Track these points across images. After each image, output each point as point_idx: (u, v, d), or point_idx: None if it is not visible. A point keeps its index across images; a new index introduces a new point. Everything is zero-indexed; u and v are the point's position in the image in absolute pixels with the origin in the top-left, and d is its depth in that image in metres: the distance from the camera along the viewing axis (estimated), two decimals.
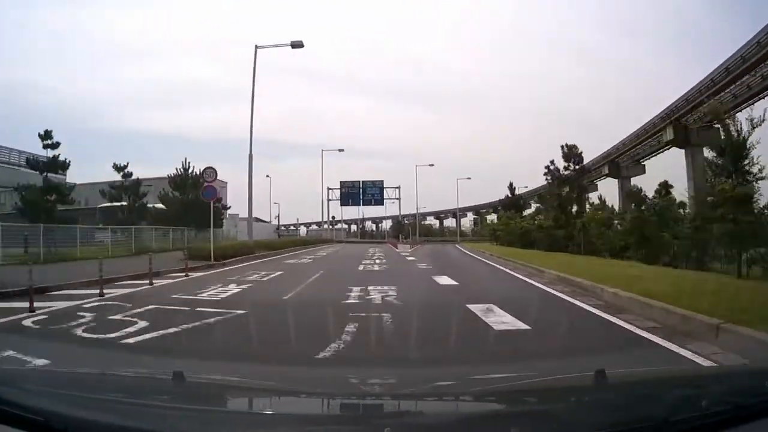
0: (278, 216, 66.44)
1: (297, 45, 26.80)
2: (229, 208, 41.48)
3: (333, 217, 72.92)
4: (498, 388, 2.00)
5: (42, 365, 4.14)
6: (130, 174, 30.11)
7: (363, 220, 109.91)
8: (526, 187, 70.96)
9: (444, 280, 12.43)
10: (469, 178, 75.93)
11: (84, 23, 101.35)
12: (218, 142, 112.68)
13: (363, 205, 75.38)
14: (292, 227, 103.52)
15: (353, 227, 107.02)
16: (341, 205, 74.80)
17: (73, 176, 30.76)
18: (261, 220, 71.96)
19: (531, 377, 2.39)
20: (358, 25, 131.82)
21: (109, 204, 32.18)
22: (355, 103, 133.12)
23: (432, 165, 69.17)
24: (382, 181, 74.74)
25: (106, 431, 1.27)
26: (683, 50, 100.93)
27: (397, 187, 75.03)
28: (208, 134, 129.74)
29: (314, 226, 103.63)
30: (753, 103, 24.15)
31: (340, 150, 62.43)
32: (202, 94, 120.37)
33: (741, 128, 13.28)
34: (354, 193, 74.76)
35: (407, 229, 69.16)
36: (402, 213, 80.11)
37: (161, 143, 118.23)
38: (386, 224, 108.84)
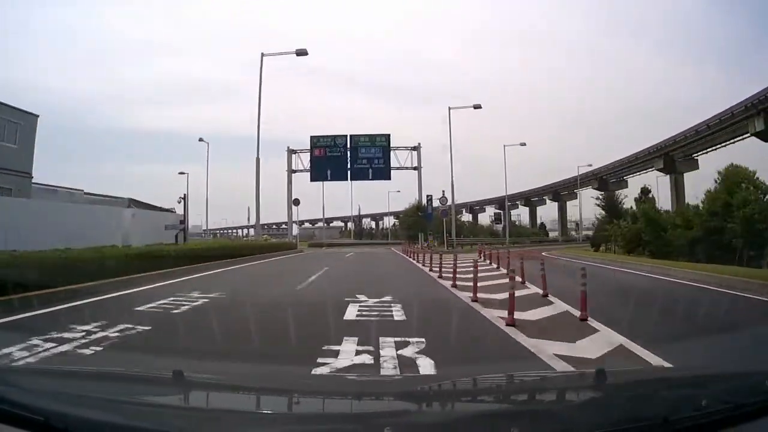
0: (184, 197, 32.51)
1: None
2: None
3: (297, 201, 38.55)
4: (498, 387, 1.96)
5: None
6: None
7: (359, 217, 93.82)
8: (590, 165, 57.49)
9: None
10: (524, 144, 49.51)
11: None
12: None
13: (353, 179, 40.76)
14: (283, 226, 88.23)
15: (350, 225, 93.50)
16: (312, 179, 40.38)
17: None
18: (148, 206, 35.85)
19: (531, 377, 2.41)
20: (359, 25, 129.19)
21: None
22: (357, 102, 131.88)
23: (478, 107, 34.75)
24: (387, 136, 39.42)
25: (105, 430, 1.26)
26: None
27: (413, 148, 39.75)
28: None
29: (310, 224, 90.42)
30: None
31: (299, 53, 28.06)
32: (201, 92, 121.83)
33: None
34: (337, 157, 38.88)
35: (440, 222, 35.28)
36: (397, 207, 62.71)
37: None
38: (388, 221, 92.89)
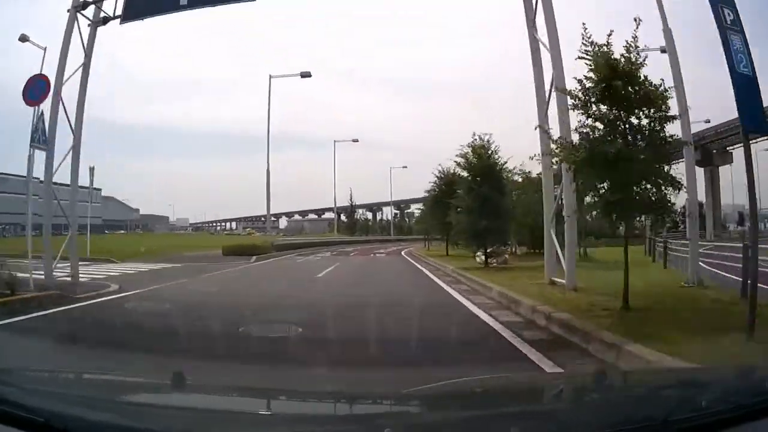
0: None
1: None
2: None
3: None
4: (498, 388, 1.97)
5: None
6: None
7: (352, 207, 73.82)
8: (708, 121, 35.47)
9: None
10: None
11: None
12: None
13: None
14: (272, 218, 71.39)
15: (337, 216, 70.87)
16: (127, 16, 5.82)
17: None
18: None
19: (531, 378, 2.41)
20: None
21: None
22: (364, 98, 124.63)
23: None
24: None
25: (105, 431, 1.28)
26: None
27: None
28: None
29: (300, 216, 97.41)
30: None
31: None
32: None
33: None
34: None
35: None
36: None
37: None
38: (389, 213, 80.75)
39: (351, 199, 71.27)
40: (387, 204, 73.71)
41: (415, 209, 54.49)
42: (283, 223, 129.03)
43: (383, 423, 1.38)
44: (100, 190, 47.96)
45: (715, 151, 44.09)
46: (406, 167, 53.80)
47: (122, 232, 79.64)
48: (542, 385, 2.04)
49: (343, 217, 72.85)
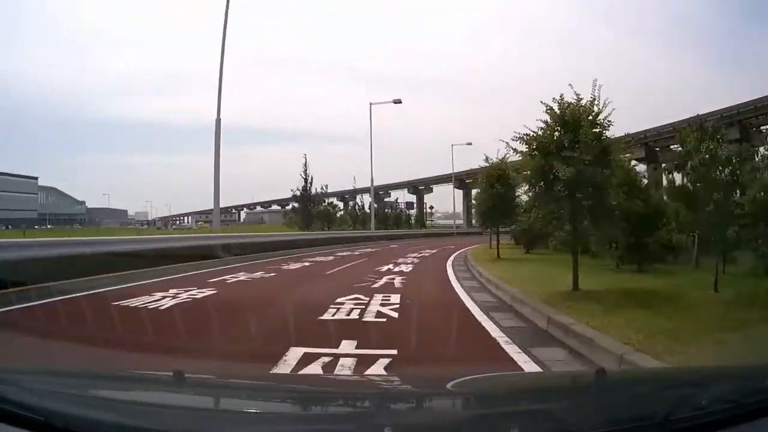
0: None
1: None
2: None
3: None
4: (498, 387, 1.99)
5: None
6: None
7: (305, 194, 47.66)
8: None
9: None
10: None
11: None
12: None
13: None
14: (233, 210, 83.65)
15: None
16: None
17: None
18: None
19: (531, 376, 2.44)
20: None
21: None
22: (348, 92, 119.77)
23: None
24: None
25: (105, 430, 1.28)
26: None
27: None
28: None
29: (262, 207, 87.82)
30: None
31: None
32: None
33: None
34: None
35: None
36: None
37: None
38: (365, 201, 58.31)
39: (306, 173, 46.49)
40: (363, 191, 57.66)
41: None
42: (243, 215, 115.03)
43: (383, 422, 1.40)
44: (36, 178, 37.45)
45: (658, 149, 45.27)
46: (400, 101, 37.07)
47: (37, 227, 70.60)
48: (542, 384, 2.08)
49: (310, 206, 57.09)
